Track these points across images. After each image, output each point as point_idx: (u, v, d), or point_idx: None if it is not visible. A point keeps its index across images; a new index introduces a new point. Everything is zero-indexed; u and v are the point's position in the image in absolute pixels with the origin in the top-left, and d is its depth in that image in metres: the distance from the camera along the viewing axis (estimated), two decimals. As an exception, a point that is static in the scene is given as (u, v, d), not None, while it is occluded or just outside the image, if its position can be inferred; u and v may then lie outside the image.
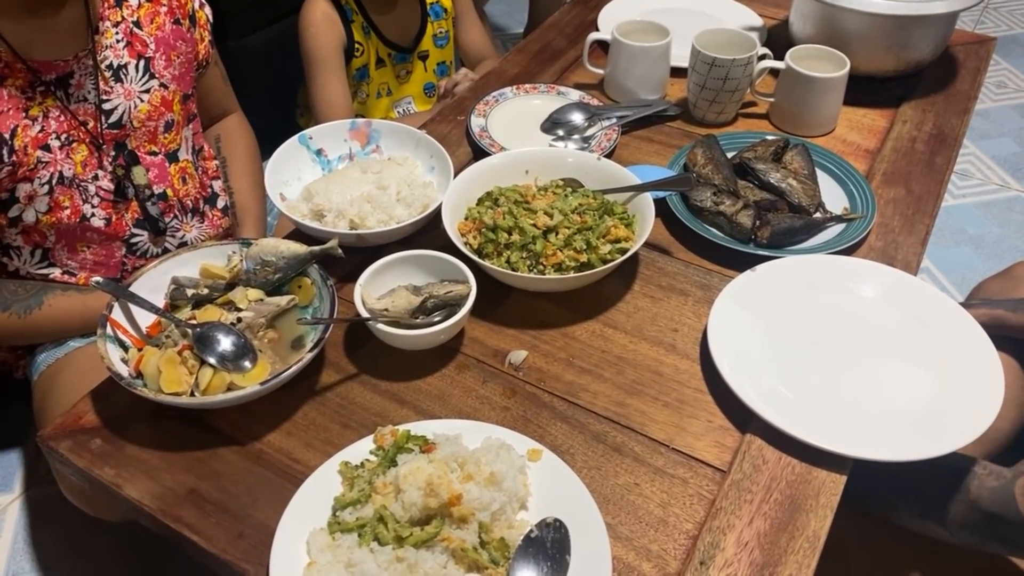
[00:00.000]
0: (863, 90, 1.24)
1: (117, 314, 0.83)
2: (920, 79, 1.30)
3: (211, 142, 1.30)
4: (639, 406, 0.83)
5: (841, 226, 1.02)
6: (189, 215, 1.18)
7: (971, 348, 0.85)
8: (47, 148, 1.00)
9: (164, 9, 1.11)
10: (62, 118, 1.01)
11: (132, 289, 0.85)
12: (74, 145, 1.03)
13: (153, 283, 0.87)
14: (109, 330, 0.81)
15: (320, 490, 0.72)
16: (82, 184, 1.04)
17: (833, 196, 1.07)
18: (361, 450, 0.76)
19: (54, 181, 1.01)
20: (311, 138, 1.09)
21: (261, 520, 0.72)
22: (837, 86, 1.16)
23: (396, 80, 1.50)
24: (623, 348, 0.90)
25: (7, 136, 0.96)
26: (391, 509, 0.69)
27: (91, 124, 1.04)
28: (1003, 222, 1.78)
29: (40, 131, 0.99)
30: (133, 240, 1.12)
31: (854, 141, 1.19)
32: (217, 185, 1.25)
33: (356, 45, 1.43)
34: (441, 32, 1.51)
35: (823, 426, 0.78)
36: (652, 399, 0.84)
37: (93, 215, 1.06)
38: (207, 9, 1.20)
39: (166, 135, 1.13)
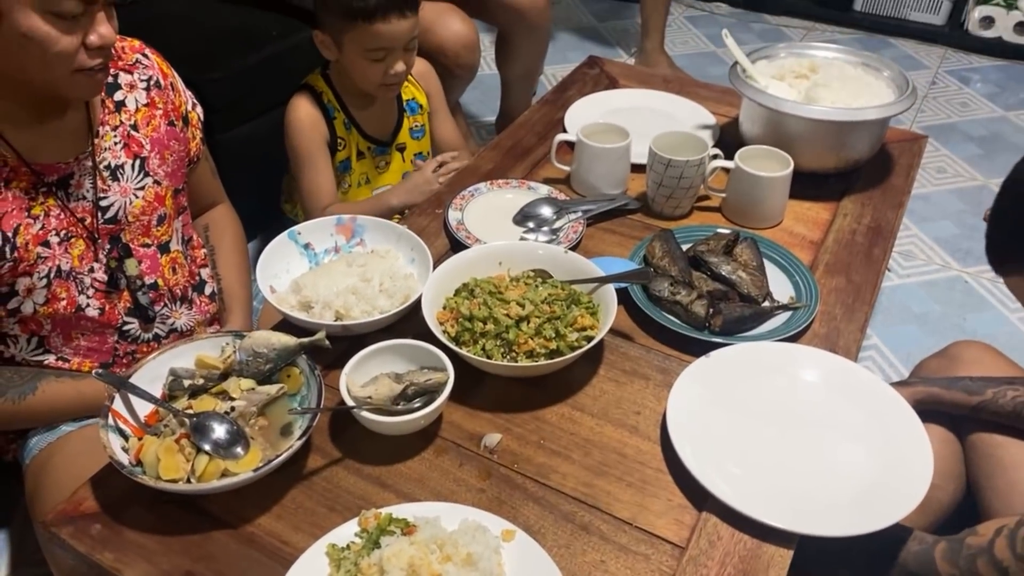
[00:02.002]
0: (808, 185, 1.35)
1: (118, 404, 0.89)
2: (859, 175, 1.42)
3: (200, 231, 1.37)
4: (605, 486, 0.90)
5: (788, 314, 1.11)
6: (178, 303, 1.24)
7: (904, 429, 0.94)
8: (47, 244, 1.06)
9: (160, 112, 1.18)
10: (61, 216, 1.07)
11: (132, 380, 0.91)
12: (72, 240, 1.09)
13: (152, 374, 0.93)
14: (111, 420, 0.86)
15: (308, 571, 0.77)
16: (78, 276, 1.10)
17: (780, 286, 1.16)
18: (347, 532, 0.81)
19: (52, 275, 1.07)
20: (299, 233, 1.17)
21: (253, 601, 0.77)
22: (782, 183, 1.28)
23: (376, 171, 1.59)
24: (590, 430, 0.97)
25: (10, 235, 1.02)
26: (376, 589, 0.74)
27: (88, 220, 1.10)
28: (945, 301, 1.90)
29: (41, 228, 1.05)
30: (125, 327, 1.17)
31: (800, 233, 1.30)
32: (205, 272, 1.32)
33: (339, 140, 1.52)
34: (417, 126, 1.61)
35: (772, 504, 0.85)
36: (617, 479, 0.91)
37: (88, 305, 1.12)
38: (199, 109, 1.28)
39: (158, 228, 1.19)
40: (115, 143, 1.13)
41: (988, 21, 3.01)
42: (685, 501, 0.88)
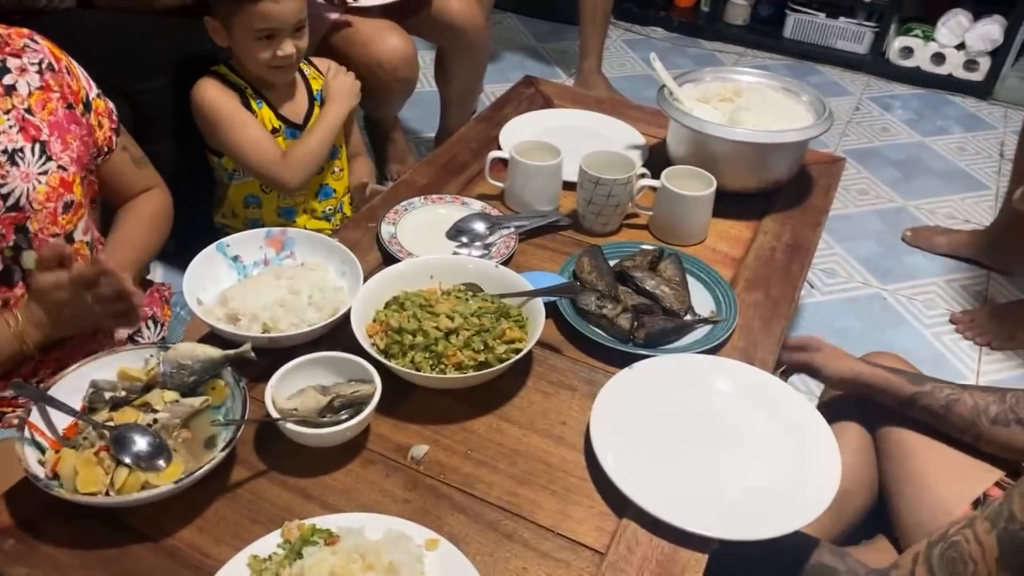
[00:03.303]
0: (731, 204, 1.40)
1: (35, 417, 0.87)
2: (780, 194, 1.48)
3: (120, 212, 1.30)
4: (529, 495, 0.92)
5: (708, 327, 1.15)
6: None
7: (815, 438, 0.98)
8: None
9: (56, 95, 1.14)
10: None
11: (51, 392, 0.89)
12: None
13: (71, 386, 0.91)
14: (27, 433, 0.85)
15: (230, 583, 0.77)
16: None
17: (702, 300, 1.21)
18: (269, 544, 0.81)
19: None
20: (228, 245, 1.16)
21: (172, 614, 0.76)
22: (706, 202, 1.32)
23: None
24: (517, 441, 0.99)
25: None
26: (297, 598, 0.75)
27: None
28: (865, 317, 1.98)
29: None
30: None
31: (722, 250, 1.35)
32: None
33: (253, 112, 1.52)
34: None
35: (688, 510, 0.88)
36: (541, 488, 0.93)
37: None
38: (109, 103, 1.23)
39: (64, 215, 1.14)
40: (10, 127, 1.08)
41: (907, 51, 3.17)
42: (606, 508, 0.91)
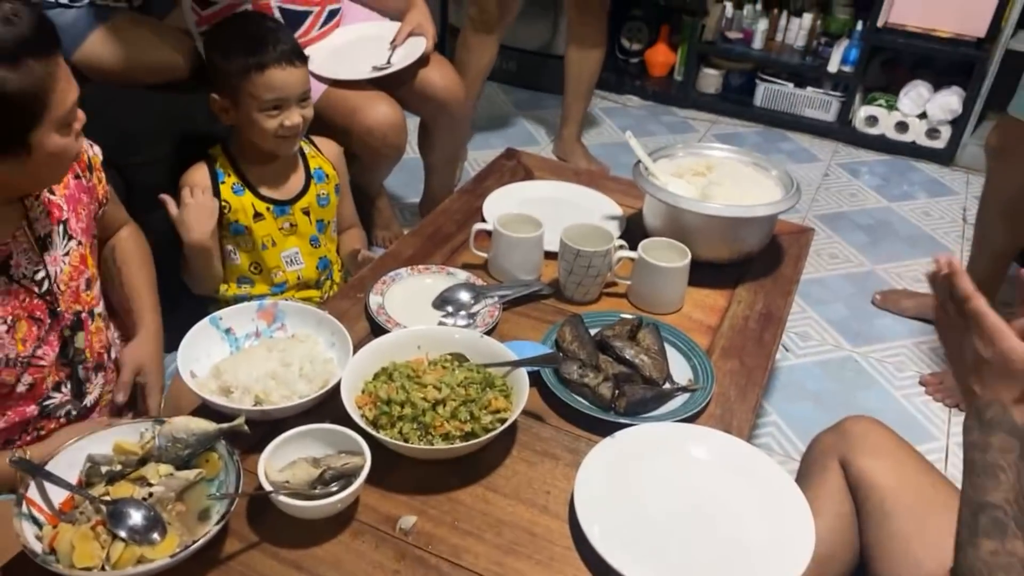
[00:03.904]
0: (705, 274, 1.46)
1: (32, 492, 0.89)
2: (752, 264, 1.54)
3: (107, 255, 1.35)
4: (515, 565, 0.94)
5: (686, 395, 1.20)
6: (95, 372, 1.22)
7: (790, 504, 1.02)
8: None
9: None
10: (5, 301, 1.05)
11: (48, 467, 0.91)
12: (17, 324, 1.07)
13: (68, 460, 0.93)
14: (24, 508, 0.87)
15: (223, 657, 0.79)
16: (23, 360, 1.08)
17: (680, 368, 1.25)
18: (262, 616, 0.83)
19: (2, 364, 1.06)
20: (221, 319, 1.20)
21: None
22: (681, 273, 1.38)
23: (280, 232, 1.62)
24: (502, 510, 1.02)
25: None
26: (290, 672, 0.76)
27: (26, 299, 1.08)
28: (837, 379, 2.04)
29: None
30: (47, 402, 1.15)
31: (698, 319, 1.40)
32: (112, 334, 1.29)
33: (223, 204, 1.56)
34: (323, 193, 1.67)
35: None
36: (527, 557, 0.95)
37: (19, 382, 1.09)
38: (96, 149, 1.26)
39: (87, 292, 1.18)
40: (40, 212, 1.11)
41: (872, 120, 3.30)
42: (590, 577, 0.94)
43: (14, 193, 1.06)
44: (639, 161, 1.55)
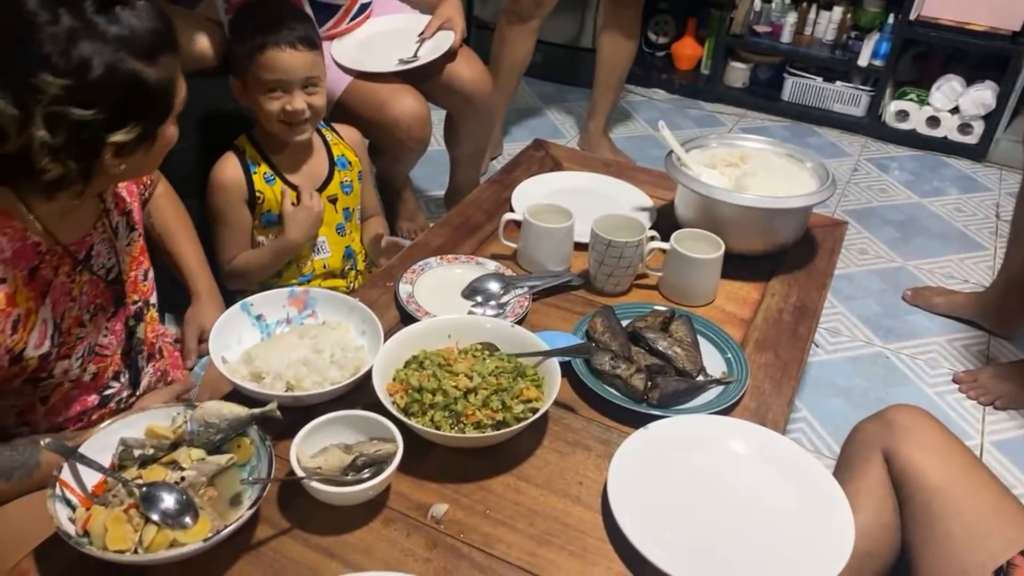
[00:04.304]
0: (738, 266, 1.44)
1: (66, 474, 0.89)
2: (786, 257, 1.52)
3: (146, 220, 1.37)
4: (548, 555, 0.93)
5: (720, 388, 1.18)
6: (147, 360, 1.24)
7: (827, 499, 1.00)
8: (83, 324, 1.06)
9: None
10: (90, 291, 1.07)
11: (81, 450, 0.91)
12: (98, 313, 1.09)
13: (101, 444, 0.93)
14: (58, 490, 0.87)
15: (256, 642, 0.78)
16: (98, 348, 1.10)
17: (713, 361, 1.23)
18: (295, 602, 0.83)
19: (86, 353, 1.07)
20: (252, 305, 1.19)
21: (199, 673, 0.77)
22: (714, 265, 1.36)
23: None
24: (534, 500, 1.00)
25: (58, 320, 1.02)
26: (324, 658, 0.75)
27: (101, 287, 1.10)
28: (868, 376, 2.00)
29: (77, 309, 1.05)
30: (107, 392, 1.16)
31: (731, 311, 1.38)
32: (161, 327, 1.31)
33: (257, 195, 1.57)
34: (347, 180, 1.67)
35: (705, 571, 0.90)
36: (559, 548, 0.94)
37: (86, 370, 1.11)
38: None
39: (144, 283, 1.19)
40: (111, 203, 1.13)
41: (903, 115, 3.25)
42: (624, 569, 0.92)
43: (116, 183, 1.07)
44: (671, 151, 1.52)
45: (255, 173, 1.56)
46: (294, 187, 1.58)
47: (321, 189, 1.61)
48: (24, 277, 0.97)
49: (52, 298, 1.01)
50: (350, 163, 1.67)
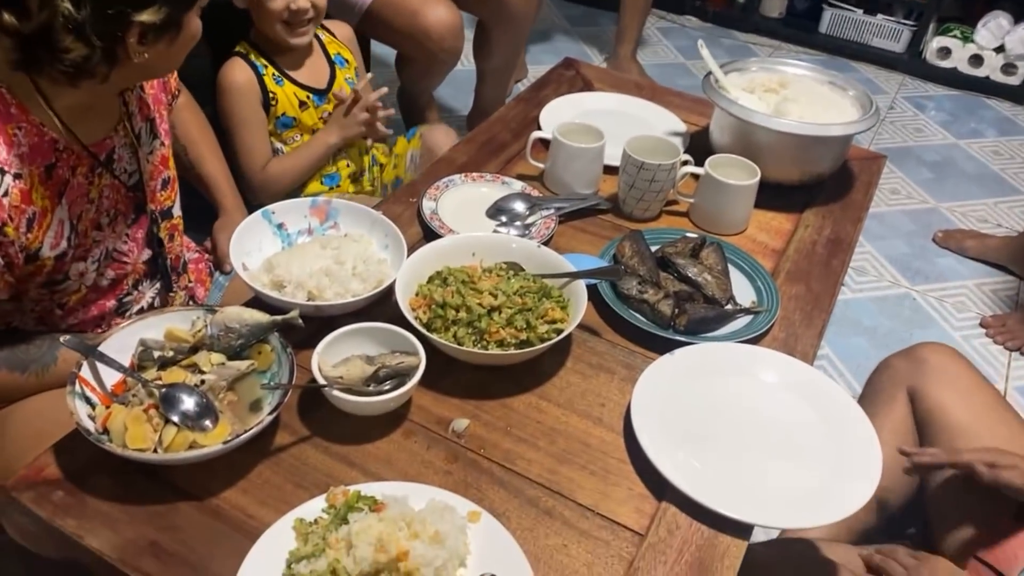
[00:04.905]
0: (772, 195, 1.39)
1: (85, 372, 0.88)
2: (821, 188, 1.47)
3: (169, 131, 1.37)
4: (568, 474, 0.92)
5: (749, 318, 1.15)
6: (175, 273, 1.22)
7: (857, 433, 0.98)
8: (99, 227, 1.04)
9: None
10: (110, 194, 1.05)
11: (100, 349, 0.90)
12: (117, 217, 1.07)
13: (120, 344, 0.92)
14: (77, 387, 0.86)
15: (275, 544, 0.78)
16: (118, 253, 1.09)
17: (743, 290, 1.20)
18: (314, 508, 0.82)
19: (102, 257, 1.06)
20: (273, 213, 1.16)
21: (218, 572, 0.77)
22: (749, 192, 1.32)
23: (321, 122, 1.60)
24: (556, 420, 0.99)
25: (75, 221, 1.00)
26: (343, 563, 0.75)
27: (123, 192, 1.08)
28: (893, 316, 1.97)
29: (95, 211, 1.03)
30: (126, 298, 1.16)
31: (763, 241, 1.34)
32: (187, 241, 1.29)
33: (271, 96, 1.53)
34: (348, 78, 1.64)
35: (728, 496, 0.88)
36: (580, 467, 0.93)
37: (104, 275, 1.10)
38: None
39: (163, 192, 1.17)
40: (135, 108, 1.10)
41: (945, 52, 3.13)
42: (646, 491, 0.91)
43: (140, 80, 1.04)
44: (709, 73, 1.46)
45: (264, 74, 1.52)
46: (304, 87, 1.54)
47: (328, 88, 1.57)
48: (40, 175, 0.95)
49: (69, 198, 0.99)
50: (347, 61, 1.64)
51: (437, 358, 1.00)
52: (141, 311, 1.19)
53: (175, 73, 1.25)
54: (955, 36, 3.10)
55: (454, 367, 1.03)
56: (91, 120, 1.01)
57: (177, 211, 1.22)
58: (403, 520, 0.79)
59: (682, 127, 1.60)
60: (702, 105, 1.66)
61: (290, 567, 0.76)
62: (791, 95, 1.47)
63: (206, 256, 1.42)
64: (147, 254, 1.16)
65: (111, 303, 1.14)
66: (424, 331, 1.00)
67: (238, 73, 1.51)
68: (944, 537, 1.12)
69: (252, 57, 1.53)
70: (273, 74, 1.53)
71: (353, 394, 0.91)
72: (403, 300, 1.04)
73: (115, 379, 0.90)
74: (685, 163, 1.35)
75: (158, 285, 1.20)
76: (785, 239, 1.35)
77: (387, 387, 0.94)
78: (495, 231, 1.27)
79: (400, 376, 0.95)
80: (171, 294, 1.22)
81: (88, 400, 0.87)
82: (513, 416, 0.99)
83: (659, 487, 0.91)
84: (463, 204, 1.34)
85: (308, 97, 1.55)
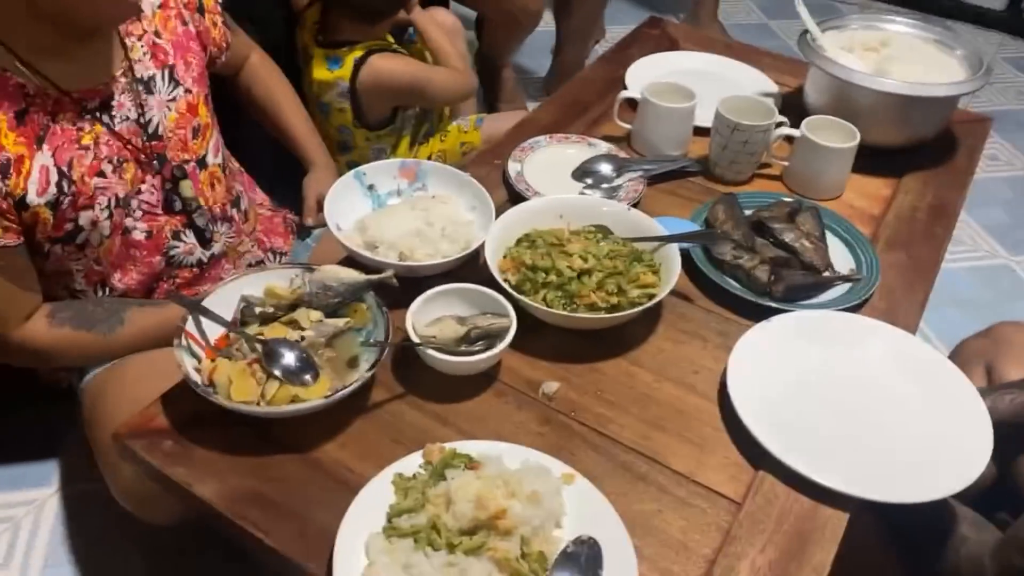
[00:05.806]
0: (870, 160, 1.33)
1: (190, 326, 0.90)
2: (922, 153, 1.40)
3: (242, 91, 1.39)
4: (662, 440, 0.91)
5: (847, 285, 1.11)
6: (219, 222, 1.23)
7: (964, 405, 0.94)
8: (102, 174, 1.04)
9: (173, 13, 1.14)
10: (111, 141, 1.05)
11: (204, 303, 0.92)
12: (124, 165, 1.07)
13: (222, 300, 0.94)
14: (184, 341, 0.88)
15: (375, 498, 0.79)
16: (131, 200, 1.10)
17: (840, 257, 1.16)
18: (411, 464, 0.83)
19: (112, 204, 1.06)
20: (364, 174, 1.17)
21: (321, 522, 0.79)
22: (847, 156, 1.26)
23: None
24: (647, 386, 0.98)
25: (65, 168, 1.00)
26: (443, 519, 0.76)
27: (135, 140, 1.08)
28: (991, 287, 1.89)
29: (93, 159, 1.03)
30: (171, 252, 1.17)
31: (860, 207, 1.29)
32: (238, 187, 1.30)
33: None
34: None
35: (827, 466, 0.86)
36: (674, 434, 0.92)
37: (135, 228, 1.11)
38: None
39: (195, 141, 1.16)
40: (144, 54, 1.10)
41: (1051, 9, 2.94)
42: (742, 459, 0.89)
43: (87, 14, 0.98)
44: (806, 31, 1.40)
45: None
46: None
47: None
48: (9, 120, 0.95)
49: (52, 144, 0.99)
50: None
51: (526, 320, 0.99)
52: (200, 263, 1.21)
53: (217, 25, 1.24)
54: (1063, -8, 2.91)
55: (543, 330, 1.02)
56: (77, 67, 1.01)
57: (214, 159, 1.20)
58: (500, 479, 0.79)
59: (774, 88, 1.55)
60: (793, 66, 1.60)
61: (391, 521, 0.77)
62: (893, 54, 1.40)
63: (290, 216, 1.44)
64: (178, 204, 1.15)
65: (157, 259, 1.16)
66: (514, 293, 1.00)
67: (389, 57, 1.63)
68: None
69: (385, 43, 1.66)
70: (396, 47, 1.64)
71: (446, 354, 0.92)
72: (493, 262, 1.03)
73: (218, 334, 0.93)
74: (780, 125, 1.30)
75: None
76: (884, 205, 1.30)
77: (478, 347, 0.94)
78: (582, 193, 1.25)
79: (491, 337, 0.95)
80: (209, 253, 1.22)
81: (194, 354, 0.89)
82: (603, 380, 0.98)
83: (756, 456, 0.89)
84: (549, 166, 1.32)
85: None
